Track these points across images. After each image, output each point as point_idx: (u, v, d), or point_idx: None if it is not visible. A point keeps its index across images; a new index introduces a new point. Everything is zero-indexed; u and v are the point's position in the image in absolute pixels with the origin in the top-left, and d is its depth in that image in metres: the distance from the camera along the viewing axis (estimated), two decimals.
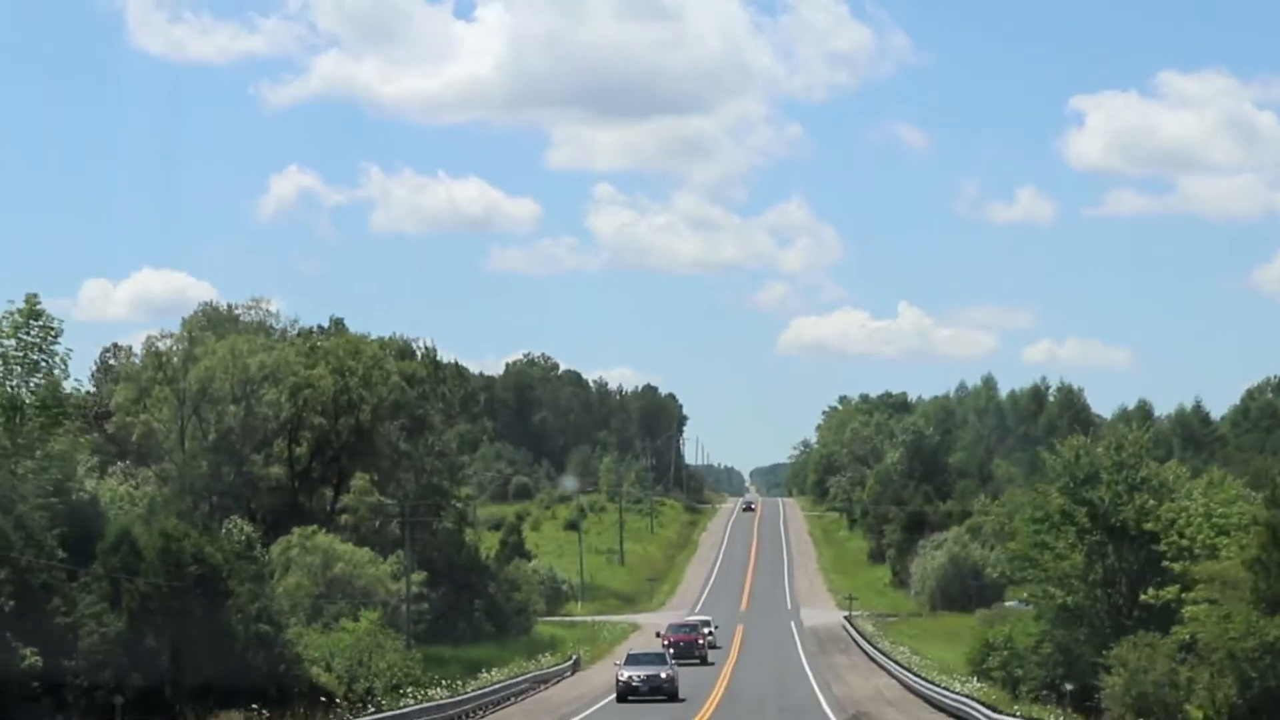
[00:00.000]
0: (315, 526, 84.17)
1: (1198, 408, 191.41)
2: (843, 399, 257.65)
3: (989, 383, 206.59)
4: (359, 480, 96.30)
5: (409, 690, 62.45)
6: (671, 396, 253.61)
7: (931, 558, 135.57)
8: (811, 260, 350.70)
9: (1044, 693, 65.61)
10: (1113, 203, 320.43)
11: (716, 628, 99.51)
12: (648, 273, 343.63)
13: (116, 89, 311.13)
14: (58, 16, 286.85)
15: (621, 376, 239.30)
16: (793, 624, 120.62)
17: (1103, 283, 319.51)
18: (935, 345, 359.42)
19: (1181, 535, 62.02)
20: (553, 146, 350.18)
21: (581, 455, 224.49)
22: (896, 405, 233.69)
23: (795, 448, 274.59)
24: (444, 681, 68.48)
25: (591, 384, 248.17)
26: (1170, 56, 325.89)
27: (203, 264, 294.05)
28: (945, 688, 59.37)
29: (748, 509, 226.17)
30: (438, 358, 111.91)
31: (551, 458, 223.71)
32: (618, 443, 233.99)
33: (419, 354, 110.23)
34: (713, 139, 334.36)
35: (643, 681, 63.65)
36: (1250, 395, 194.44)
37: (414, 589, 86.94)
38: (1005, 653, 70.84)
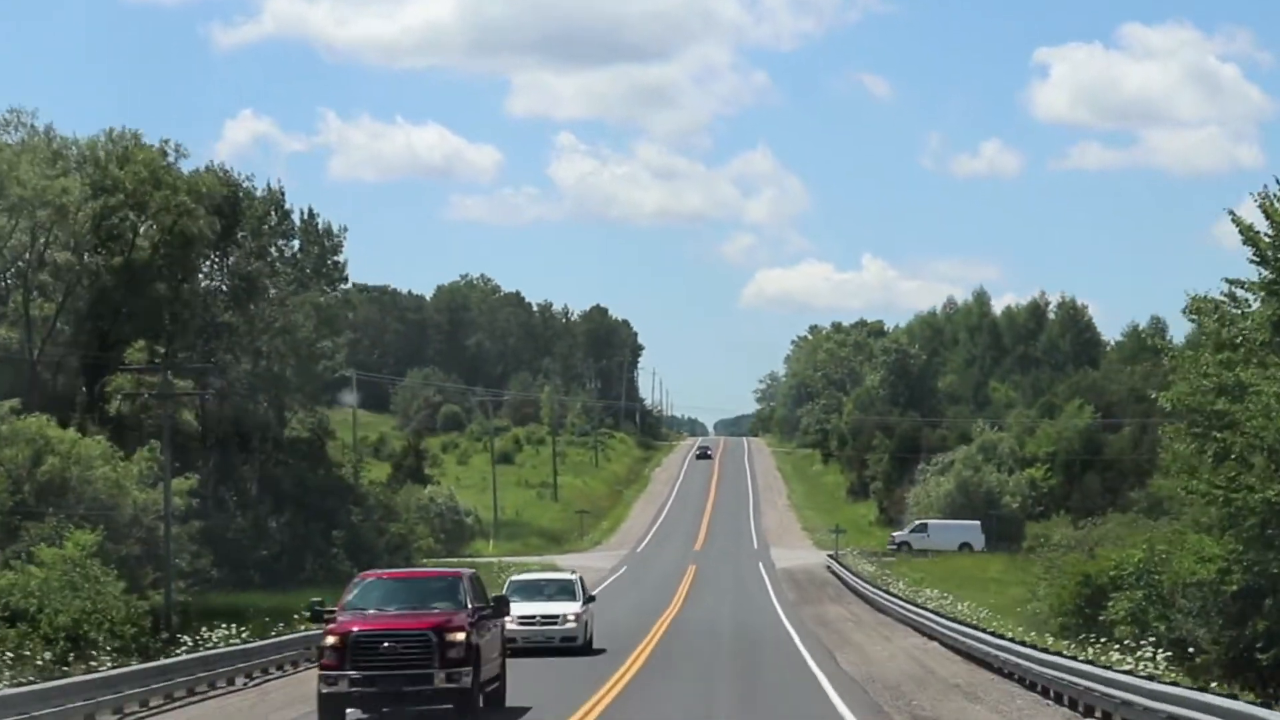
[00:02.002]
0: (14, 403, 52.18)
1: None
2: (813, 328, 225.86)
3: (981, 298, 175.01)
4: (134, 352, 64.41)
5: None
6: (625, 323, 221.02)
7: (935, 484, 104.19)
8: (777, 211, 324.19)
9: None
10: (1078, 155, 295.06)
11: (590, 601, 42.08)
12: (611, 223, 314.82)
13: (61, 31, 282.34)
14: None
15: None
16: (761, 565, 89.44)
17: (1067, 236, 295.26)
18: (899, 298, 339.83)
19: None
20: (513, 93, 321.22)
21: (521, 383, 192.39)
22: (873, 332, 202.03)
23: (761, 381, 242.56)
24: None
25: (535, 307, 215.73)
26: (1134, 8, 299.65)
27: None
28: (1106, 666, 27.48)
29: (704, 456, 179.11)
30: (284, 201, 79.57)
31: (488, 386, 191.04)
32: (562, 370, 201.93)
33: (259, 194, 78.14)
34: (677, 86, 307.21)
35: None
36: None
37: (184, 504, 55.09)
38: (1139, 595, 39.30)
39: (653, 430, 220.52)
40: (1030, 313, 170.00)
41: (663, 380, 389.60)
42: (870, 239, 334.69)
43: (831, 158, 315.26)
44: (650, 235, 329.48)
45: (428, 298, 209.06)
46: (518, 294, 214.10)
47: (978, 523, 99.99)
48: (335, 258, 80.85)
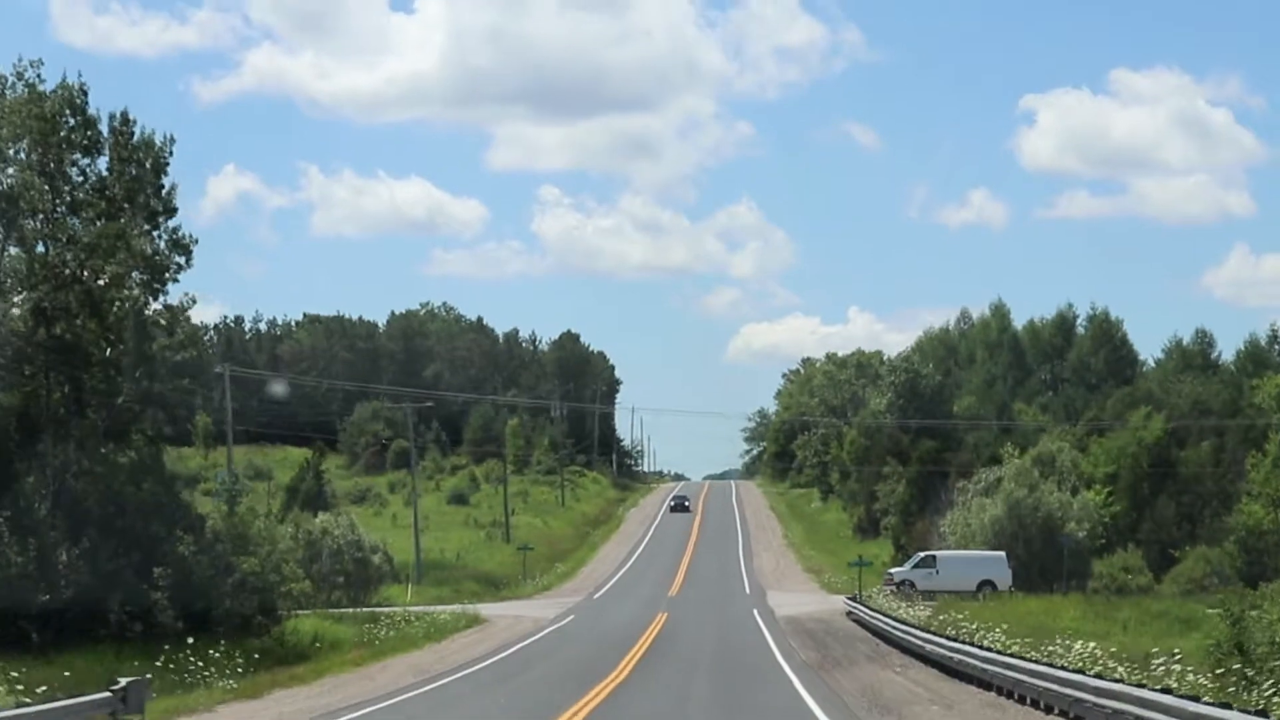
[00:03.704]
0: None
1: (1274, 336, 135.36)
2: (806, 360, 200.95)
3: (1000, 311, 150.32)
4: None
5: None
6: (601, 355, 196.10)
7: (978, 509, 79.02)
8: (762, 264, 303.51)
9: None
10: (1065, 204, 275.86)
11: None
12: (596, 277, 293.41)
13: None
14: None
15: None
16: (756, 613, 64.60)
17: (1054, 287, 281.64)
18: (886, 349, 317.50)
19: None
20: (496, 145, 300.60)
21: (483, 416, 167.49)
22: (872, 362, 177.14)
23: (750, 418, 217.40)
24: None
25: (500, 336, 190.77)
26: (1123, 53, 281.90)
27: None
28: None
29: (680, 509, 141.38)
30: (85, 104, 54.74)
31: (445, 421, 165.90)
32: (529, 404, 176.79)
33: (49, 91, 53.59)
34: (660, 138, 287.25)
35: None
36: None
37: None
38: None
39: (630, 472, 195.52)
40: (1057, 327, 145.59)
41: (643, 420, 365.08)
42: (856, 291, 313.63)
43: (816, 209, 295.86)
44: (634, 290, 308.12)
45: (381, 325, 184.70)
46: (480, 320, 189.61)
47: (1003, 554, 74.66)
48: (158, 181, 55.88)
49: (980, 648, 33.21)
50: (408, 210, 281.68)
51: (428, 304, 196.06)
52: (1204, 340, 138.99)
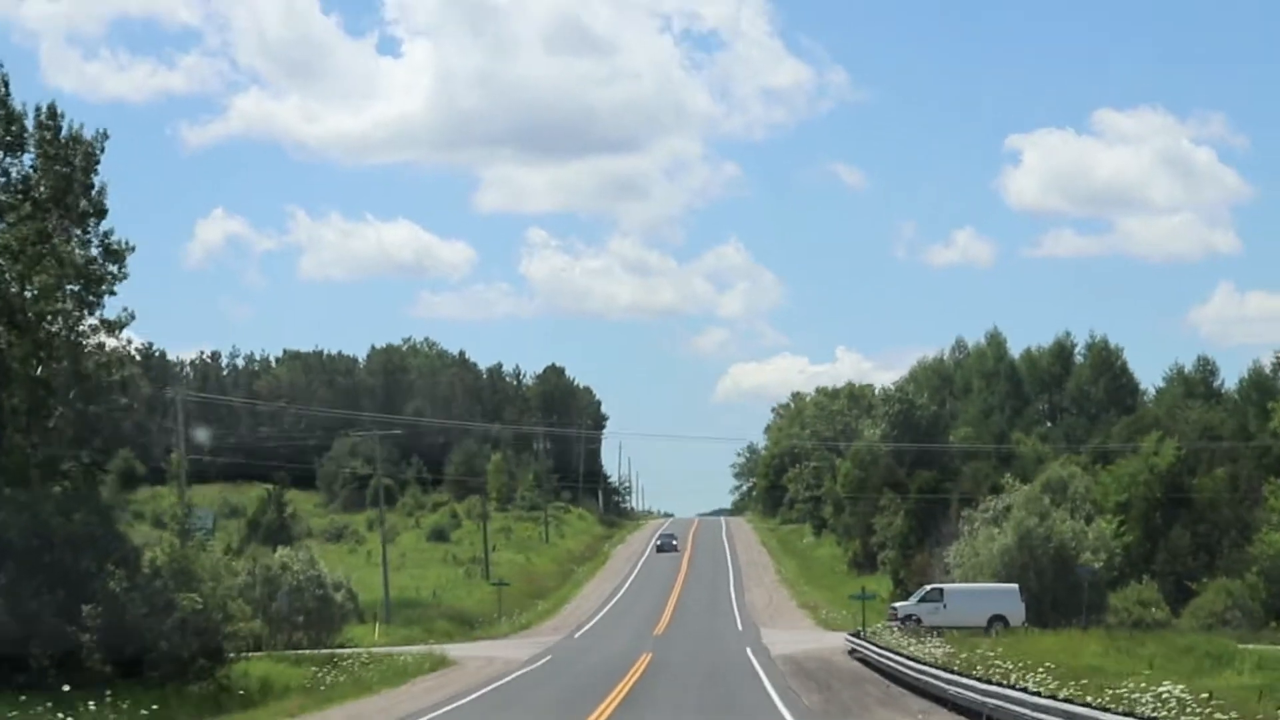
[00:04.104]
0: None
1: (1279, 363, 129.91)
2: (795, 395, 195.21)
3: (996, 340, 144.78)
4: None
5: None
6: (587, 390, 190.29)
7: (986, 539, 73.19)
8: (750, 304, 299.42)
9: None
10: (1051, 243, 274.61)
11: None
12: (585, 318, 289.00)
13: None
14: None
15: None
16: (750, 651, 58.79)
17: (1041, 326, 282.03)
18: (877, 388, 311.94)
19: None
20: (483, 188, 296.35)
21: (465, 452, 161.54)
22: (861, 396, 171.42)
23: (740, 453, 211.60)
24: None
25: (484, 371, 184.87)
26: (1106, 93, 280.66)
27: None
28: None
29: (666, 549, 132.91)
30: (8, 94, 49.61)
31: (426, 456, 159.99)
32: (513, 439, 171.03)
33: None
34: (648, 179, 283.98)
35: None
36: None
37: None
38: None
39: (618, 509, 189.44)
40: (1055, 356, 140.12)
41: (631, 459, 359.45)
42: (844, 331, 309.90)
43: (804, 250, 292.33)
44: (623, 331, 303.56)
45: (361, 360, 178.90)
46: (462, 354, 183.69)
47: (1015, 587, 68.75)
48: (88, 180, 50.35)
49: (1028, 691, 27.44)
50: (395, 252, 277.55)
51: (409, 339, 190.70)
52: (1206, 368, 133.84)
